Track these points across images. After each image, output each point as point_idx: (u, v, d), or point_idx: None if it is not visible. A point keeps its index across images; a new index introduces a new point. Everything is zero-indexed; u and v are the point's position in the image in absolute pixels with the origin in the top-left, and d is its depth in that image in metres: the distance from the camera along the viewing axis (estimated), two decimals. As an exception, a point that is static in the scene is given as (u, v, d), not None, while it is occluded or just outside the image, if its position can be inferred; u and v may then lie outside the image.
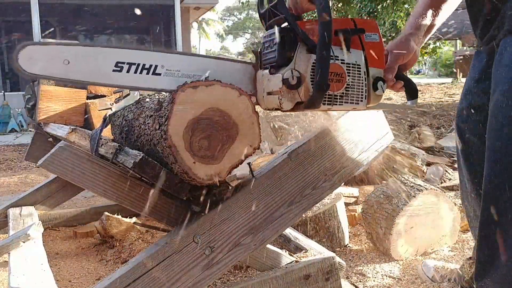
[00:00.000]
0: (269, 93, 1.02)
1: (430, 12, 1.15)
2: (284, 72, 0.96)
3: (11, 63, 0.87)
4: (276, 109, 1.03)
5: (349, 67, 1.02)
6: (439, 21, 1.17)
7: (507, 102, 0.82)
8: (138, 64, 0.94)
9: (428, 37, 1.18)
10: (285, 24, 1.02)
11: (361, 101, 1.05)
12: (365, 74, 1.04)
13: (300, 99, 0.98)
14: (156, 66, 0.96)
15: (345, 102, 1.03)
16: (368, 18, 13.80)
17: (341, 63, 1.00)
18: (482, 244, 0.86)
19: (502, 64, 0.85)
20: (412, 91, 1.16)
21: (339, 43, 1.01)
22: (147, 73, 0.95)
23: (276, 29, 1.00)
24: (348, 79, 1.01)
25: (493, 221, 0.83)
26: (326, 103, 1.01)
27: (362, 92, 1.04)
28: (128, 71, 0.93)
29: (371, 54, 1.04)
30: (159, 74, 0.97)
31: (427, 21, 1.15)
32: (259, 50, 1.08)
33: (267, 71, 1.02)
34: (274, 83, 0.99)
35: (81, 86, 2.35)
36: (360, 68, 1.03)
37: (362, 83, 1.04)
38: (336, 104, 1.03)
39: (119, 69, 0.92)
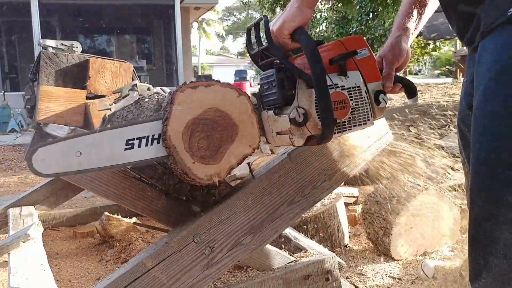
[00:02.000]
0: (278, 133, 1.03)
1: (415, 10, 1.15)
2: (290, 112, 0.96)
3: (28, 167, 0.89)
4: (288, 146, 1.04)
5: (350, 91, 1.01)
6: (426, 17, 1.17)
7: (486, 102, 0.83)
8: (148, 136, 0.95)
9: (416, 34, 1.18)
10: (278, 61, 1.02)
11: (368, 120, 1.05)
12: (366, 93, 1.04)
13: (310, 133, 0.98)
14: None
15: (353, 126, 1.03)
16: (369, 18, 13.80)
17: (342, 89, 1.00)
18: (474, 245, 0.86)
19: (482, 66, 0.85)
20: (411, 90, 1.16)
21: (335, 71, 1.01)
22: (158, 142, 0.96)
23: (272, 70, 1.00)
24: (352, 103, 1.01)
25: (482, 221, 0.83)
26: (336, 132, 1.01)
27: (367, 111, 1.04)
28: (139, 146, 0.94)
29: (366, 71, 1.04)
30: None
31: (413, 19, 1.15)
32: (258, 91, 1.07)
33: (271, 112, 1.02)
34: (281, 124, 0.99)
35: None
36: (360, 88, 1.03)
37: (365, 102, 1.04)
38: (346, 130, 1.03)
39: (130, 146, 0.93)
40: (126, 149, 0.93)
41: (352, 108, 1.02)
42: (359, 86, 1.02)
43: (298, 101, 0.97)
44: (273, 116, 1.01)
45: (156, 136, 0.95)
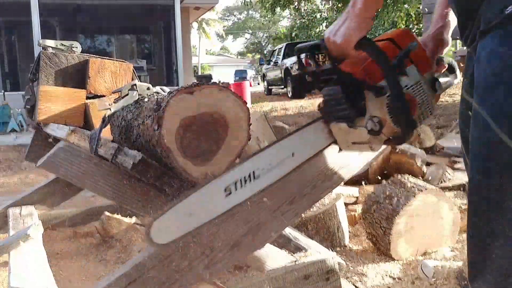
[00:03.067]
0: (354, 143, 1.03)
1: None
2: (366, 123, 0.97)
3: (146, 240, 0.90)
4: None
5: (414, 88, 1.01)
6: None
7: (483, 102, 0.83)
8: (241, 179, 0.97)
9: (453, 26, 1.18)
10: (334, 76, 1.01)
11: (431, 110, 1.06)
12: (425, 85, 1.04)
13: (386, 137, 0.99)
14: (253, 172, 0.98)
15: (421, 120, 1.04)
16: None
17: (407, 89, 1.00)
18: (472, 245, 0.86)
19: (480, 65, 0.85)
20: (451, 67, 1.16)
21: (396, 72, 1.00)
22: (250, 181, 0.98)
23: (338, 87, 0.99)
24: (418, 99, 1.02)
25: (480, 221, 0.83)
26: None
27: (430, 102, 1.05)
28: (236, 189, 0.96)
29: (420, 63, 1.04)
30: (259, 176, 0.98)
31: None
32: (323, 105, 1.05)
33: (343, 124, 1.02)
34: (358, 135, 1.00)
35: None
36: (420, 82, 1.03)
37: (426, 94, 1.04)
38: (416, 126, 1.03)
39: (229, 192, 0.95)
40: (226, 196, 0.95)
41: (419, 104, 1.02)
42: (419, 81, 1.03)
43: (370, 111, 0.97)
44: (346, 129, 1.01)
45: (247, 177, 0.97)
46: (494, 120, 0.81)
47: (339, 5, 13.44)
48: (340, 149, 1.08)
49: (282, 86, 15.37)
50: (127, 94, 1.30)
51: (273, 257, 1.48)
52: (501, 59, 0.81)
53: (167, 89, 1.35)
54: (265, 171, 0.98)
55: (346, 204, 2.46)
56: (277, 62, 15.51)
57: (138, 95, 1.29)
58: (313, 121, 1.06)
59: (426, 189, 2.01)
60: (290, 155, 1.01)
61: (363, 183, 2.85)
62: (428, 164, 3.04)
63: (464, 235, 2.19)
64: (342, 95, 0.98)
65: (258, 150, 0.99)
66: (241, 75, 33.54)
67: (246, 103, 1.08)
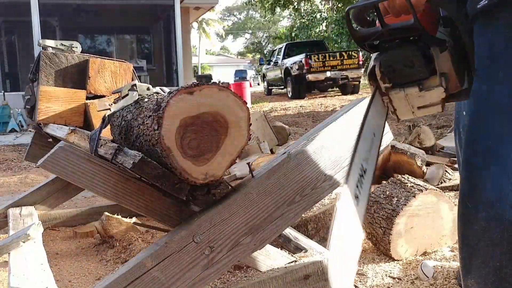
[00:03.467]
0: (420, 107, 1.00)
1: None
2: (441, 82, 0.94)
3: None
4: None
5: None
6: None
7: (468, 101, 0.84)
8: (359, 179, 0.92)
9: None
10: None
11: None
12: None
13: (448, 94, 0.97)
14: (362, 165, 0.94)
15: None
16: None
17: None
18: (461, 248, 0.86)
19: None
20: None
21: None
22: (364, 178, 0.93)
23: (413, 46, 0.95)
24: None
25: (468, 220, 0.84)
26: None
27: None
28: (360, 192, 0.91)
29: None
30: (366, 169, 0.95)
31: None
32: (379, 72, 0.99)
33: (413, 89, 0.97)
34: (433, 96, 0.97)
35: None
36: None
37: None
38: None
39: (357, 199, 0.90)
40: (357, 204, 0.90)
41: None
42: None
43: (440, 68, 0.95)
44: (416, 93, 0.98)
45: (361, 173, 0.92)
46: (475, 116, 0.81)
47: (339, 5, 13.43)
48: (398, 119, 1.05)
49: (282, 86, 15.38)
50: (127, 94, 1.30)
51: (273, 257, 1.48)
52: (477, 54, 0.82)
53: (167, 89, 1.35)
54: (366, 160, 0.95)
55: (346, 204, 2.46)
56: (277, 62, 15.53)
57: (138, 95, 1.29)
58: (372, 97, 1.02)
59: (426, 189, 2.01)
60: (373, 136, 0.98)
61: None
62: (428, 164, 3.03)
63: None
64: (418, 55, 0.94)
65: (354, 145, 0.93)
66: (241, 75, 33.52)
67: (246, 103, 1.09)
